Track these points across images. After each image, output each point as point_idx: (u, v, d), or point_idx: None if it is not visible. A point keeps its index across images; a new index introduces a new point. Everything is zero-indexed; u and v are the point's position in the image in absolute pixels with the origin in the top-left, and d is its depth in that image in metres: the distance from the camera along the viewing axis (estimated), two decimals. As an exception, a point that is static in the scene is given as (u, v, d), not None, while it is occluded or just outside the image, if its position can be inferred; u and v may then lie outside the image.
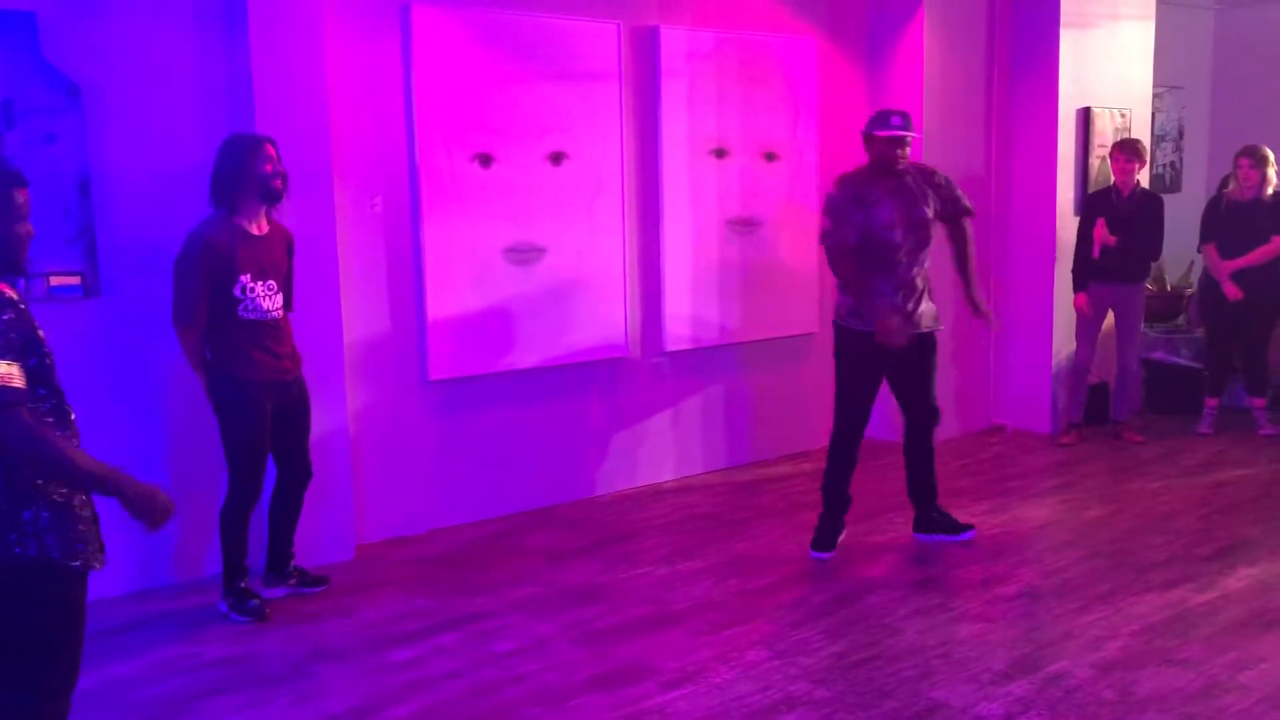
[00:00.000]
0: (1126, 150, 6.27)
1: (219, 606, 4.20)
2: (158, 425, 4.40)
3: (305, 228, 4.48)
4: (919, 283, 4.61)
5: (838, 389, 4.69)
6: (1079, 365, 6.51)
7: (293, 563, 4.37)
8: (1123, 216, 6.24)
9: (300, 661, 3.76)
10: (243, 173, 3.95)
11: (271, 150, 4.00)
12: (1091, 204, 6.43)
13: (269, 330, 4.08)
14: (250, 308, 4.01)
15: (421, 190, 4.91)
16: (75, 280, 4.16)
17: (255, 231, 4.05)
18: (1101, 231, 6.23)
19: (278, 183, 4.02)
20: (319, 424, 4.57)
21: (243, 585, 4.18)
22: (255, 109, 4.35)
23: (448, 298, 5.04)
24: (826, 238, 4.55)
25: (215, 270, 3.93)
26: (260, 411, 4.08)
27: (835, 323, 4.65)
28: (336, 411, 4.66)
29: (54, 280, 4.11)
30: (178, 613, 4.22)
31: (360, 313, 4.84)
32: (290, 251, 4.22)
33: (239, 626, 4.06)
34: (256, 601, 4.16)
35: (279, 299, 4.12)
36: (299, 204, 4.41)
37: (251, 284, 4.00)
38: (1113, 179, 6.36)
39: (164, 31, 4.28)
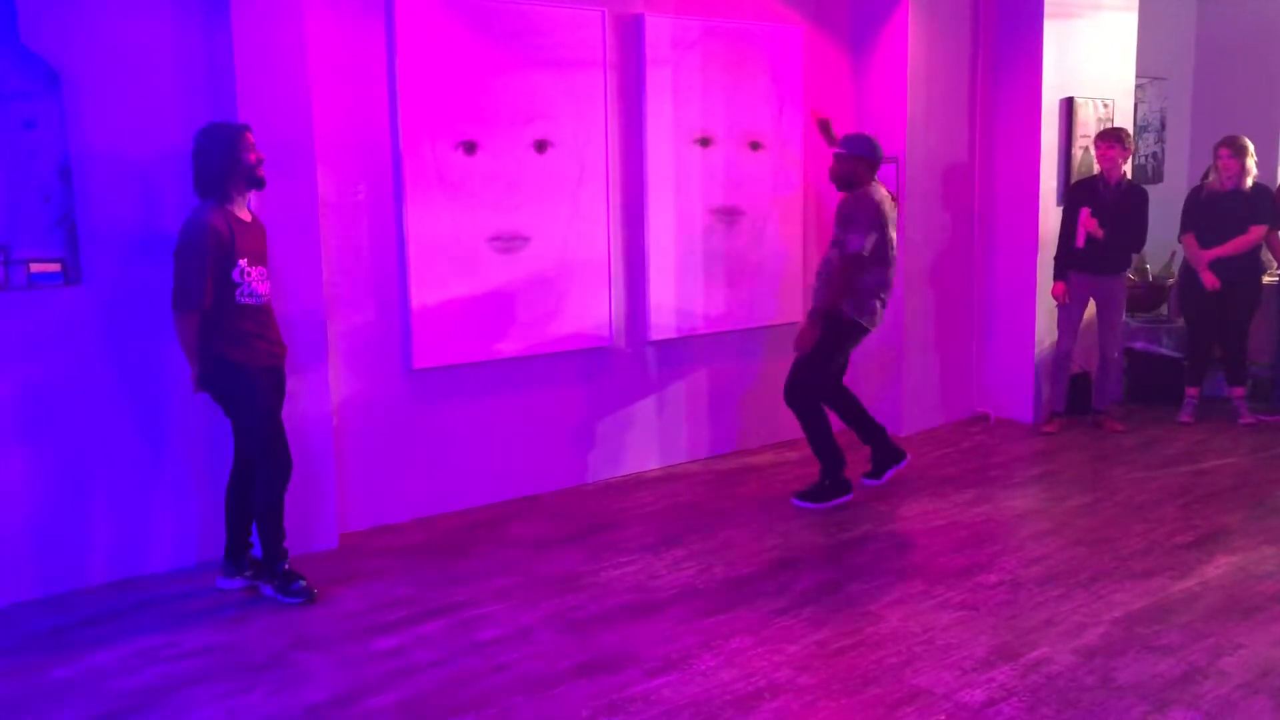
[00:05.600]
0: (1109, 138, 6.29)
1: (263, 591, 4.22)
2: (140, 413, 4.37)
3: (288, 215, 4.46)
4: None
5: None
6: (1061, 355, 6.54)
7: (250, 554, 4.33)
8: (1108, 206, 6.26)
9: (282, 650, 3.75)
10: (231, 163, 3.98)
11: (251, 138, 4.04)
12: (1075, 193, 6.45)
13: (262, 315, 4.12)
14: (247, 292, 4.04)
15: (405, 178, 4.89)
16: (56, 267, 4.12)
17: (245, 218, 4.10)
18: (1091, 222, 6.25)
19: (261, 170, 4.06)
20: (303, 413, 4.56)
21: (285, 567, 4.21)
22: (237, 95, 4.31)
23: (431, 286, 5.02)
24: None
25: (218, 254, 3.95)
26: (265, 389, 4.11)
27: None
28: (320, 400, 4.64)
29: (34, 267, 4.08)
30: (159, 601, 4.20)
31: (343, 301, 4.82)
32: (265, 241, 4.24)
33: (221, 615, 4.05)
34: (302, 583, 4.18)
35: (269, 285, 4.15)
36: (282, 191, 4.39)
37: (248, 268, 4.04)
38: (1098, 168, 6.39)
39: (144, 16, 4.24)
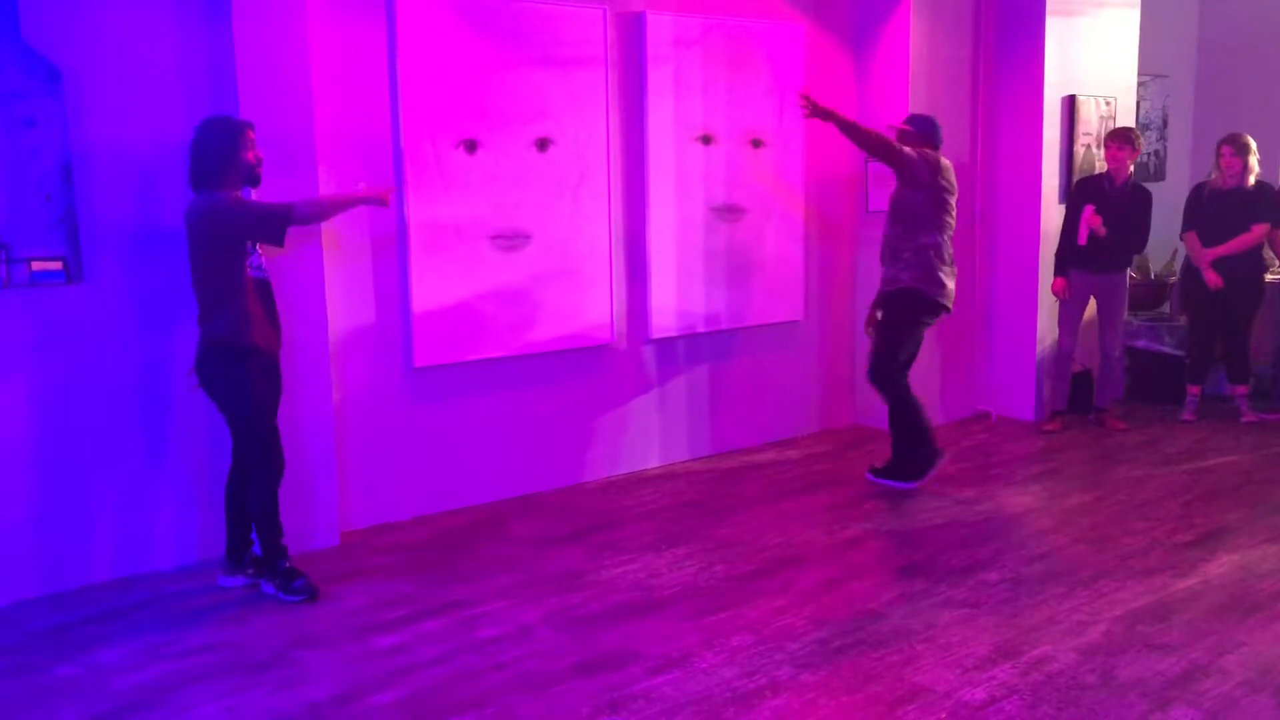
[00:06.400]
0: (1119, 139, 6.29)
1: (264, 589, 4.21)
2: (142, 411, 4.38)
3: (288, 213, 4.46)
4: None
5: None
6: (1062, 353, 6.53)
7: (251, 552, 4.32)
8: (1113, 205, 6.26)
9: (283, 648, 3.75)
10: (228, 158, 3.97)
11: (253, 136, 4.03)
12: (1080, 190, 6.45)
13: (266, 290, 4.11)
14: (255, 264, 4.06)
15: (406, 176, 4.89)
16: (57, 265, 4.12)
17: None
18: (1095, 220, 6.24)
19: (260, 169, 4.07)
20: (303, 412, 4.56)
21: (286, 565, 4.20)
22: (239, 92, 4.31)
23: (433, 284, 5.02)
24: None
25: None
26: (261, 387, 4.09)
27: None
28: (321, 398, 4.65)
29: (36, 265, 4.08)
30: (161, 599, 4.20)
31: (344, 299, 4.82)
32: None
33: (223, 613, 4.06)
34: (303, 580, 4.18)
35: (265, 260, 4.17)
36: (283, 189, 4.38)
37: (251, 246, 4.06)
38: (1104, 166, 6.39)
39: (146, 14, 4.24)
